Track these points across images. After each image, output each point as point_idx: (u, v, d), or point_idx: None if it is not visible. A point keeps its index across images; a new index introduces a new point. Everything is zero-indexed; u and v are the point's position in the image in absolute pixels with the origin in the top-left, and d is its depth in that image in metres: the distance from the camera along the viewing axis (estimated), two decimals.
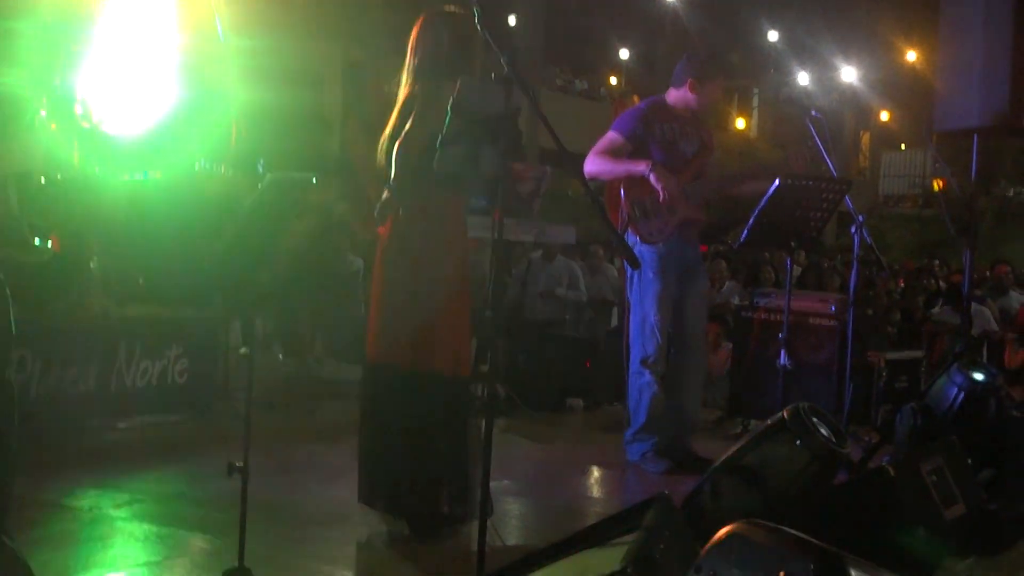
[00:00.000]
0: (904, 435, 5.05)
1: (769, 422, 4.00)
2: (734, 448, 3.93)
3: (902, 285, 14.91)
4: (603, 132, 6.65)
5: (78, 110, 7.58)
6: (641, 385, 6.44)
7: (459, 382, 4.84)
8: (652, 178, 6.22)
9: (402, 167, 4.67)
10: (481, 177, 4.24)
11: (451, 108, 4.02)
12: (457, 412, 4.85)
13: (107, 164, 7.52)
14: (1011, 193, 27.96)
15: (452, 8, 4.89)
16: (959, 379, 4.96)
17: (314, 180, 3.41)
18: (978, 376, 4.97)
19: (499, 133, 3.92)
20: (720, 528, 3.63)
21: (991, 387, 4.96)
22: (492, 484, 3.86)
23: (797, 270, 10.73)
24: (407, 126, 4.68)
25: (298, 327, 10.49)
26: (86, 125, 7.62)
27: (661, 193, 6.22)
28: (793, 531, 2.00)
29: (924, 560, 3.96)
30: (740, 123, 35.31)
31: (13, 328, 3.72)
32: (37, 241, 6.02)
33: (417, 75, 4.81)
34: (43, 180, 7.05)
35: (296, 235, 3.38)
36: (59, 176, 7.41)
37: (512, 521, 5.29)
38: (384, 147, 4.80)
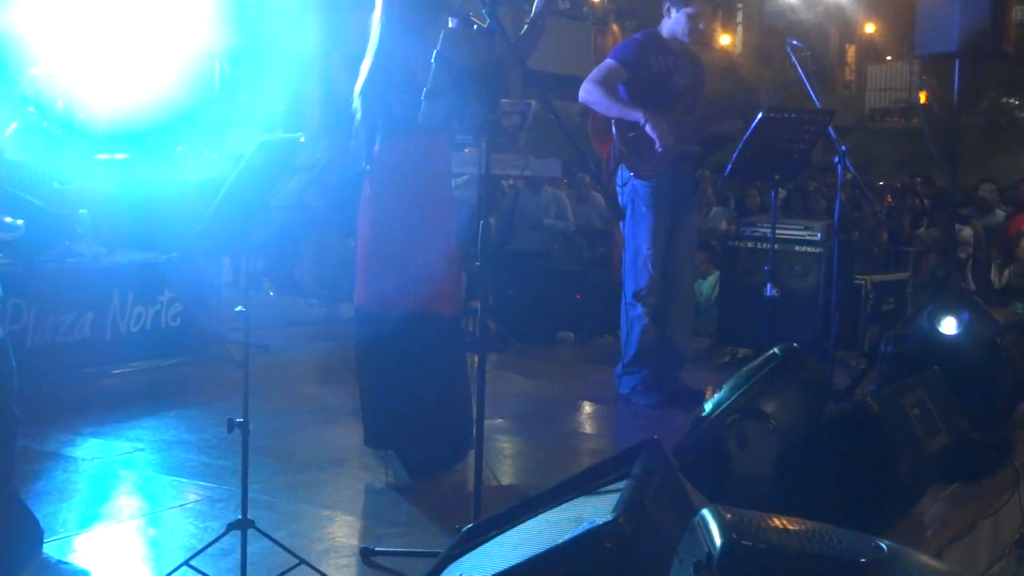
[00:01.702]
0: (886, 368, 5.13)
1: (763, 361, 4.04)
2: (738, 391, 3.95)
3: (890, 201, 14.87)
4: (585, 53, 6.61)
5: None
6: (632, 318, 6.49)
7: (450, 320, 4.90)
8: (648, 128, 6.22)
9: (376, 111, 4.68)
10: (468, 128, 4.26)
11: (435, 59, 4.02)
12: (449, 350, 4.92)
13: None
14: (1003, 101, 27.74)
15: None
16: (928, 328, 5.03)
17: (302, 139, 3.43)
18: (947, 330, 5.02)
19: (484, 83, 3.95)
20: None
21: (963, 335, 5.01)
22: (485, 422, 3.90)
23: (782, 193, 10.76)
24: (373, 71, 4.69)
25: (288, 264, 10.55)
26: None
27: (658, 144, 6.21)
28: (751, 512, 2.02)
29: (908, 490, 4.07)
30: (725, 39, 34.94)
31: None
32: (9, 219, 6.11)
33: (386, 21, 4.74)
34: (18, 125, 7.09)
35: (287, 195, 3.39)
36: (44, 123, 7.42)
37: (506, 460, 5.40)
38: (357, 92, 4.80)
